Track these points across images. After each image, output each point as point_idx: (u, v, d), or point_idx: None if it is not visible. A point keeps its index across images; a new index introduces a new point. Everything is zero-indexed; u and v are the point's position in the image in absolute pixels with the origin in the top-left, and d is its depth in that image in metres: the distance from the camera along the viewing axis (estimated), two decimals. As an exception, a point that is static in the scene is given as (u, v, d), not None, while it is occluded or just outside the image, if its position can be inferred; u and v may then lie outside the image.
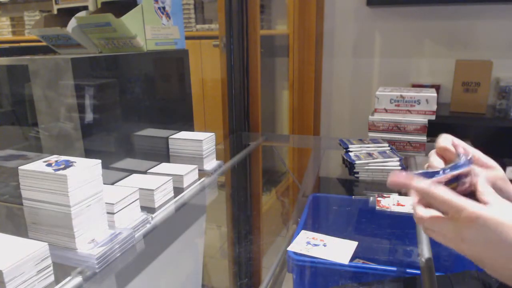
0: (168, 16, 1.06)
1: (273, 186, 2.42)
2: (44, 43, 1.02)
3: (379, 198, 1.03)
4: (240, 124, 1.74)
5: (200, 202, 1.03)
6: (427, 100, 1.31)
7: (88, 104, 0.79)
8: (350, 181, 1.22)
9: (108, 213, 0.70)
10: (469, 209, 0.45)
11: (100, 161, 0.67)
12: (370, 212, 1.05)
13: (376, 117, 1.37)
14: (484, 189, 0.48)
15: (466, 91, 1.81)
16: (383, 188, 1.14)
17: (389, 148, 1.27)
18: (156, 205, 0.87)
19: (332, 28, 2.17)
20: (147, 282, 0.79)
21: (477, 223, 0.45)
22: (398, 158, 1.16)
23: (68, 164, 0.64)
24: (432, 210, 0.51)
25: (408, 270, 0.81)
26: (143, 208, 0.81)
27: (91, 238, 0.66)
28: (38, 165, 0.64)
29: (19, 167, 0.64)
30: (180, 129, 1.14)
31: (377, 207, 1.00)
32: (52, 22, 1.01)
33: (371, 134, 1.38)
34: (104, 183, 0.68)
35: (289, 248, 0.83)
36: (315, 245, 0.84)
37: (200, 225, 1.07)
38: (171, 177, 0.92)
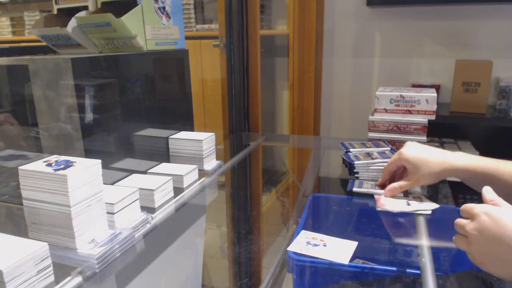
0: (168, 16, 1.06)
1: (273, 186, 2.42)
2: (44, 43, 1.02)
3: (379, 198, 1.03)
4: (240, 124, 1.74)
5: (200, 202, 1.03)
6: (427, 100, 1.31)
7: (88, 104, 0.79)
8: (350, 181, 1.21)
9: (108, 213, 0.70)
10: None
11: (100, 161, 0.67)
12: (370, 212, 1.05)
13: (376, 117, 1.37)
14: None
15: (466, 91, 1.81)
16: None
17: (389, 148, 1.27)
18: (156, 205, 0.87)
19: (332, 28, 2.17)
20: (147, 282, 0.79)
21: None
22: (398, 158, 1.16)
23: (68, 164, 0.64)
24: None
25: (408, 270, 0.81)
26: (143, 208, 0.81)
27: (91, 238, 0.66)
28: (38, 165, 0.64)
29: (19, 167, 0.63)
30: (180, 129, 1.14)
31: (377, 207, 1.00)
32: (52, 22, 1.01)
33: (371, 134, 1.38)
34: (104, 183, 0.68)
35: (289, 248, 0.83)
36: (315, 245, 0.84)
37: (200, 225, 1.07)
38: (171, 177, 0.92)
